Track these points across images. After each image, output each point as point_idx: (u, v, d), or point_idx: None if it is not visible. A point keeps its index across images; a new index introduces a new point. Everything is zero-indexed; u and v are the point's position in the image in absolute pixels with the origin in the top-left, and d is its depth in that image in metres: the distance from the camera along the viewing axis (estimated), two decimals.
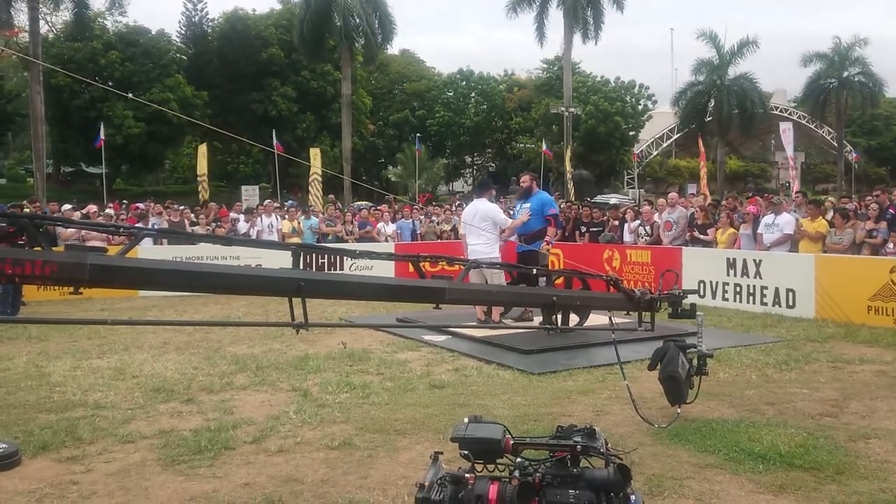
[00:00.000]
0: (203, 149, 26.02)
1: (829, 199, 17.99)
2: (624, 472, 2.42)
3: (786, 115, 55.21)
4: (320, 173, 26.30)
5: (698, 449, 5.15)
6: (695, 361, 5.71)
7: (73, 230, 12.71)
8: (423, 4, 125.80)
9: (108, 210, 17.76)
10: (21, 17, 34.70)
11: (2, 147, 54.86)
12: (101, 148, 32.39)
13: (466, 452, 2.51)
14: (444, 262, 5.96)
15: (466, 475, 2.41)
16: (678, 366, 5.49)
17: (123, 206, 20.52)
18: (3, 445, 5.09)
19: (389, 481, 4.65)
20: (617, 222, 15.90)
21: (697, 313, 5.72)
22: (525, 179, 10.89)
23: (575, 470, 2.43)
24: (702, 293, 12.53)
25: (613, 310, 5.97)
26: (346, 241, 16.80)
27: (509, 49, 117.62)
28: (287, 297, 3.36)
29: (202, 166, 25.13)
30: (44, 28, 38.33)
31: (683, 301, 5.69)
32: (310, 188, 26.69)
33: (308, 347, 8.91)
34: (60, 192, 33.97)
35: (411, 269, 4.15)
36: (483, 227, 10.02)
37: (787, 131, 20.17)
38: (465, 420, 2.63)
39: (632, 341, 7.49)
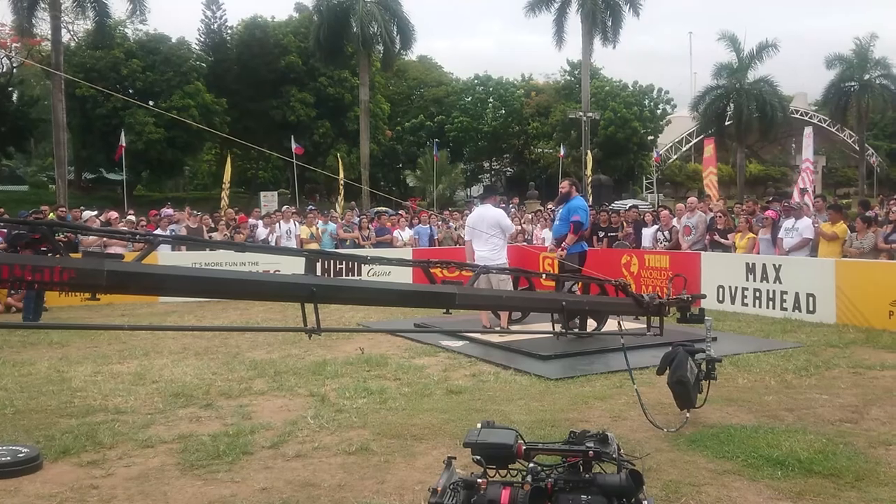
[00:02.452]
0: (229, 159, 26.32)
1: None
2: (636, 478, 2.42)
3: (806, 118, 54.77)
4: (341, 178, 26.58)
5: (716, 455, 5.12)
6: (703, 366, 5.70)
7: (94, 237, 12.86)
8: (440, 9, 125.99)
9: (129, 216, 17.93)
10: (43, 27, 35.20)
11: (24, 154, 55.58)
12: (121, 155, 32.72)
13: (479, 458, 2.52)
14: (459, 269, 5.94)
15: (479, 480, 2.42)
16: (687, 370, 5.49)
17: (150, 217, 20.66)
18: (25, 450, 5.15)
19: (406, 486, 4.65)
20: (631, 229, 15.84)
21: (706, 318, 5.71)
22: (563, 186, 10.79)
23: (587, 475, 2.43)
24: (721, 298, 12.47)
25: (623, 315, 5.97)
26: (363, 247, 16.86)
27: (527, 54, 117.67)
28: (300, 302, 3.39)
29: (228, 175, 25.33)
30: (65, 37, 38.83)
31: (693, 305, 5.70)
32: (339, 193, 27.01)
33: (326, 353, 8.94)
34: (82, 199, 34.33)
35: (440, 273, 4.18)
36: (492, 233, 10.00)
37: (810, 136, 19.94)
38: (478, 425, 2.64)
39: (650, 346, 7.44)
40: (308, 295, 3.32)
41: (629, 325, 6.62)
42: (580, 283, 8.76)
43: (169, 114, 30.63)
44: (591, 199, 31.82)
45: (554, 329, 5.15)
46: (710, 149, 26.59)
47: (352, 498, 4.50)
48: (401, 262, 4.90)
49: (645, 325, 5.60)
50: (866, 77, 48.13)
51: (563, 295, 5.65)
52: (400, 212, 20.79)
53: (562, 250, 10.19)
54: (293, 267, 3.72)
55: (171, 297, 12.16)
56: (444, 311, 10.91)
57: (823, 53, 61.43)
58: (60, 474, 4.95)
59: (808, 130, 20.08)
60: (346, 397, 6.81)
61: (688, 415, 5.66)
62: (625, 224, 16.30)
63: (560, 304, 4.63)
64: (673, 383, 5.62)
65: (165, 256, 14.13)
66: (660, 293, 5.65)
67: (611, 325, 9.23)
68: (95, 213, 16.88)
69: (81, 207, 16.40)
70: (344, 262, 14.11)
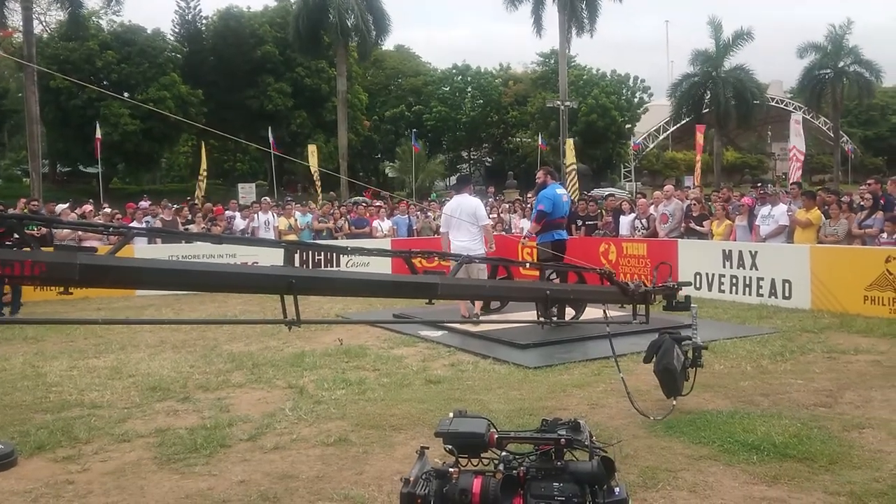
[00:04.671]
0: (204, 148, 25.96)
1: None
2: (608, 465, 2.43)
3: (782, 106, 55.18)
4: (317, 169, 26.41)
5: (693, 441, 5.17)
6: (690, 353, 5.73)
7: (68, 231, 12.71)
8: None
9: (105, 209, 17.75)
10: (15, 18, 34.68)
11: None
12: (96, 147, 32.34)
13: (450, 447, 2.52)
14: (439, 259, 5.96)
15: (451, 469, 2.42)
16: (673, 358, 5.51)
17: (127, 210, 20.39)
18: (0, 446, 5.10)
19: (384, 476, 4.66)
20: (610, 218, 15.90)
21: (692, 305, 5.73)
22: (539, 175, 10.82)
23: (559, 463, 2.44)
24: (698, 285, 12.54)
25: (608, 303, 5.98)
26: (337, 238, 16.76)
27: (505, 43, 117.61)
28: (279, 294, 3.37)
29: (204, 164, 25.03)
30: (38, 28, 38.30)
31: (678, 293, 5.71)
32: (315, 184, 26.88)
33: (304, 344, 8.92)
34: (57, 192, 33.92)
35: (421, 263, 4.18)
36: (471, 222, 10.00)
37: (798, 122, 20.25)
38: (450, 415, 2.64)
39: (629, 334, 7.47)
40: (287, 286, 3.30)
41: (609, 313, 6.64)
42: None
43: (145, 105, 30.31)
44: (571, 186, 31.80)
45: (539, 318, 5.15)
46: (700, 136, 27.10)
47: (330, 489, 4.50)
48: (380, 253, 4.89)
49: (625, 313, 5.62)
50: (840, 64, 48.55)
51: (547, 284, 5.66)
52: (378, 202, 20.73)
53: (530, 239, 10.18)
54: (272, 259, 3.69)
55: (146, 290, 12.13)
56: (427, 301, 10.88)
57: (798, 41, 61.98)
58: (35, 470, 4.92)
59: (795, 117, 20.31)
60: (324, 389, 6.81)
61: (674, 402, 5.68)
62: (604, 213, 16.35)
63: (544, 293, 4.63)
64: (659, 371, 5.64)
65: (142, 249, 13.99)
66: (645, 282, 5.67)
67: (590, 312, 9.27)
68: (68, 205, 16.68)
69: (58, 207, 16.13)
70: (323, 253, 14.03)
